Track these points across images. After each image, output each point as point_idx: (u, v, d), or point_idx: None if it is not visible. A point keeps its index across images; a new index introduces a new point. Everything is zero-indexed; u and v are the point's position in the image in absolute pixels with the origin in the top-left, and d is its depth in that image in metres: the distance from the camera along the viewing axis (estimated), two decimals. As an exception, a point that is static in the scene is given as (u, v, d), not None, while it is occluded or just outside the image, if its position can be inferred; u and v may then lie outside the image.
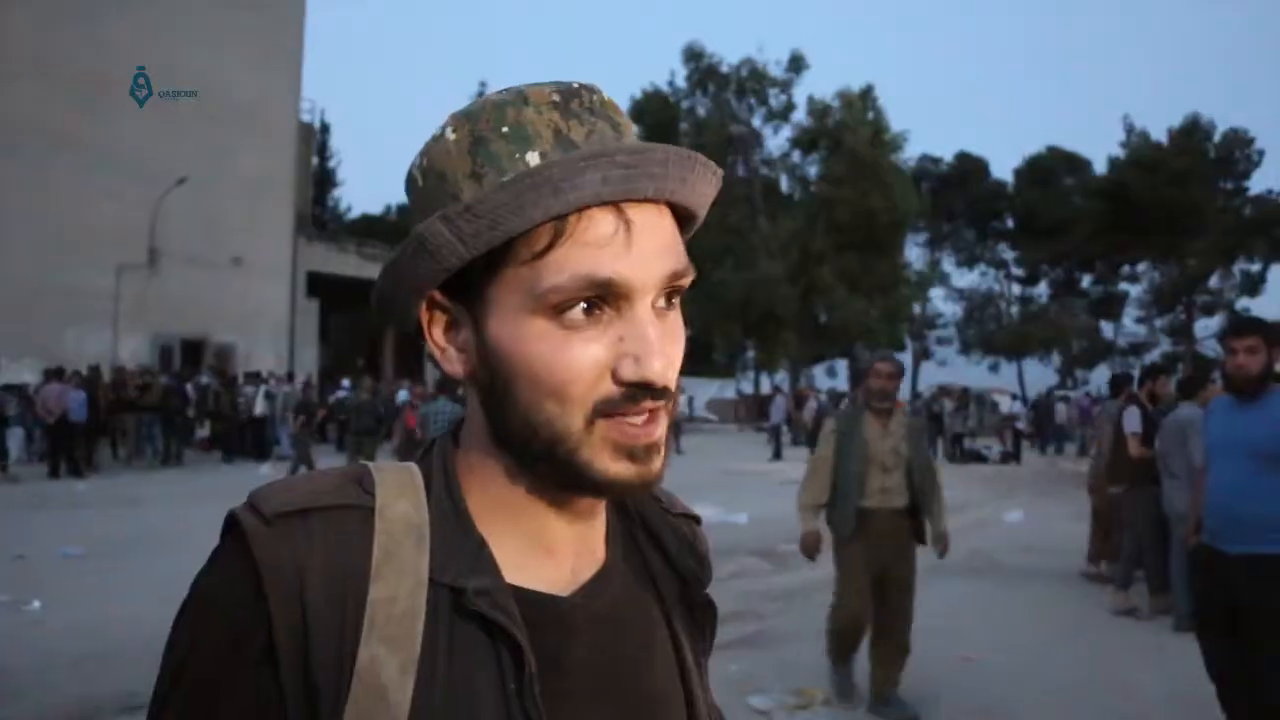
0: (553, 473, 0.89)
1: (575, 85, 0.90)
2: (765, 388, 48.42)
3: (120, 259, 27.66)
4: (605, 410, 0.85)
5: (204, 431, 24.83)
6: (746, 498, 16.03)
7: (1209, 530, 4.66)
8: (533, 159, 0.85)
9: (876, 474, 5.85)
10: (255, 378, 25.72)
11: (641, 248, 0.85)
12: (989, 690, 6.40)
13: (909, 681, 6.03)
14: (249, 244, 31.23)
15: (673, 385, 0.88)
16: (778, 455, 26.71)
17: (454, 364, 0.92)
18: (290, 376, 28.11)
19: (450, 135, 0.89)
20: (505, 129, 0.87)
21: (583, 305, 0.84)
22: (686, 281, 0.90)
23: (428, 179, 0.90)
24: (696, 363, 52.18)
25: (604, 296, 0.84)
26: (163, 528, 12.17)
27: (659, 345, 0.85)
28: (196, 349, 30.33)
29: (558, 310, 0.84)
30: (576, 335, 0.85)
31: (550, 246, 0.83)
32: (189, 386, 23.88)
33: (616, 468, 0.87)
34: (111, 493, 16.67)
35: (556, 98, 0.88)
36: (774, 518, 13.98)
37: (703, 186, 0.92)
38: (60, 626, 7.65)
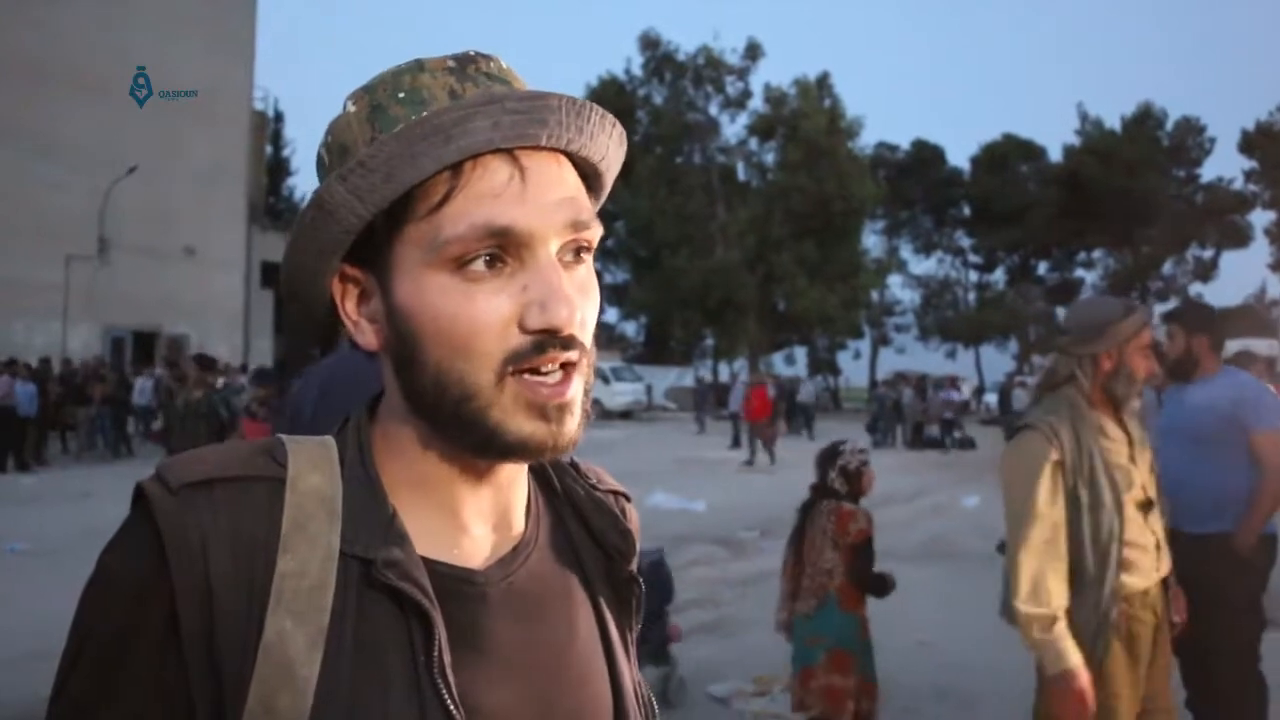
0: (463, 435, 0.86)
1: (472, 53, 0.90)
2: (724, 376, 48.47)
3: (69, 249, 27.26)
4: (516, 365, 0.84)
5: (157, 424, 24.49)
6: (704, 485, 16.02)
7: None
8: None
9: (1139, 523, 3.33)
10: (208, 369, 25.29)
11: (538, 195, 0.84)
12: (945, 674, 6.43)
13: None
14: (201, 234, 30.92)
15: (583, 336, 0.86)
16: (736, 443, 26.72)
17: (367, 335, 0.90)
18: (244, 368, 27.72)
19: (351, 108, 0.90)
20: (401, 94, 0.87)
21: (484, 257, 0.83)
22: (592, 235, 0.88)
23: (332, 155, 0.91)
24: (655, 351, 52.17)
25: (504, 246, 0.83)
26: (113, 522, 11.83)
27: (563, 291, 0.83)
28: (148, 341, 29.98)
29: (459, 263, 0.83)
30: (480, 288, 0.83)
31: (446, 198, 0.83)
32: (139, 380, 23.53)
33: (529, 427, 0.85)
34: (61, 487, 16.34)
35: (452, 64, 0.89)
36: (732, 505, 14.24)
37: (602, 137, 0.90)
38: (4, 625, 7.44)
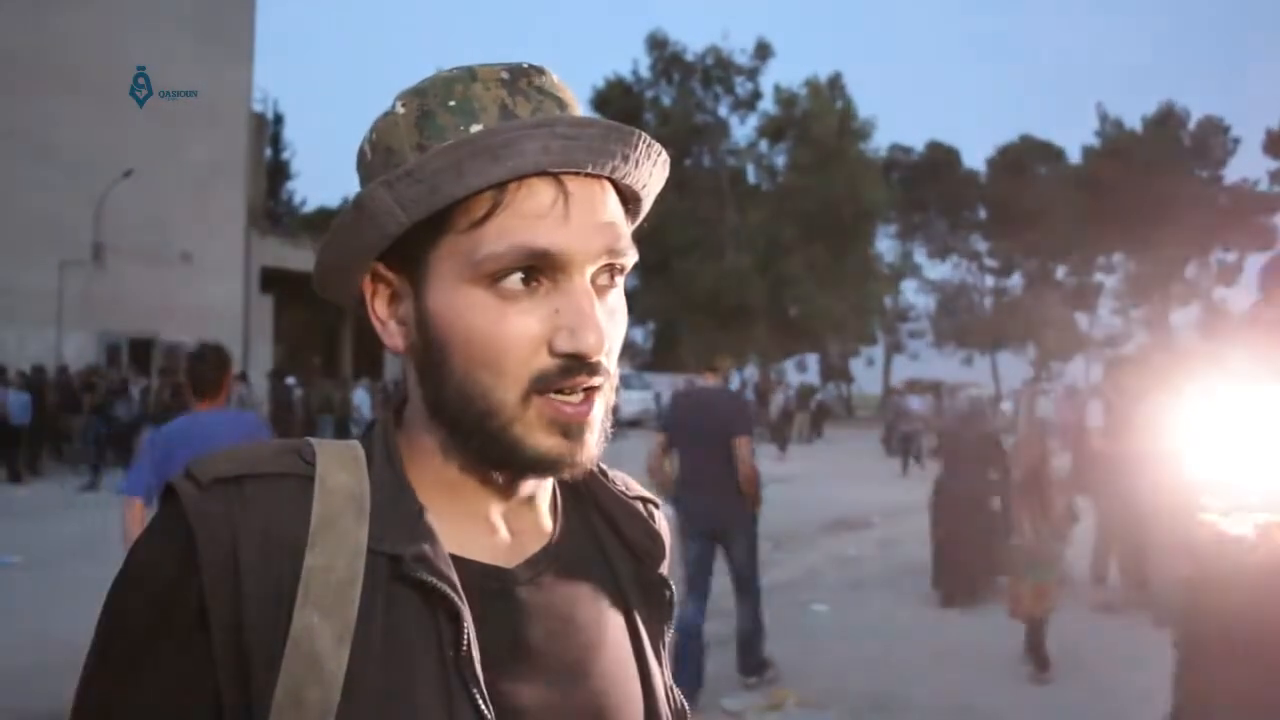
0: (483, 449, 0.88)
1: (525, 65, 0.90)
2: (735, 383, 47.68)
3: (63, 255, 26.49)
4: (541, 386, 0.85)
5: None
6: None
7: None
8: (476, 130, 0.85)
9: None
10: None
11: (580, 220, 0.85)
12: (966, 686, 6.44)
13: (883, 679, 5.97)
14: (199, 239, 30.23)
15: (608, 361, 0.88)
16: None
17: (394, 337, 0.91)
18: (244, 376, 26.95)
19: (400, 110, 0.89)
20: (452, 103, 0.87)
21: (520, 276, 0.84)
22: (628, 261, 0.89)
23: (376, 154, 0.90)
24: (663, 358, 51.42)
25: (540, 267, 0.84)
26: (107, 532, 11.30)
27: (594, 318, 0.85)
28: (145, 348, 29.20)
29: (494, 280, 0.84)
30: (513, 306, 0.85)
31: (489, 215, 0.83)
32: (134, 389, 22.82)
33: (548, 443, 0.86)
34: (54, 497, 15.99)
35: (505, 75, 0.89)
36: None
37: (646, 165, 0.90)
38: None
